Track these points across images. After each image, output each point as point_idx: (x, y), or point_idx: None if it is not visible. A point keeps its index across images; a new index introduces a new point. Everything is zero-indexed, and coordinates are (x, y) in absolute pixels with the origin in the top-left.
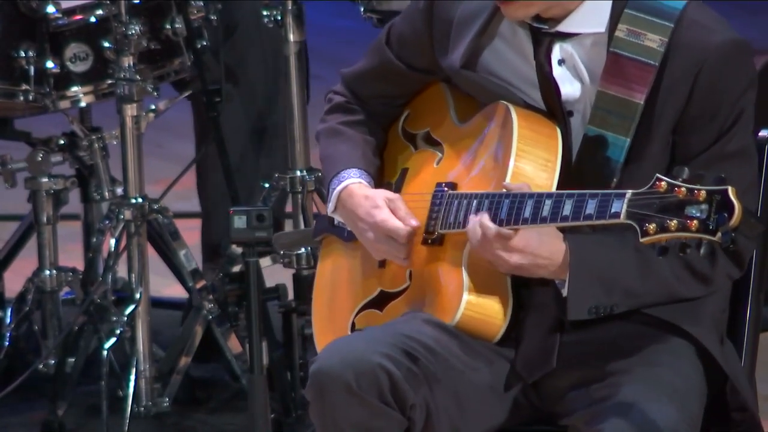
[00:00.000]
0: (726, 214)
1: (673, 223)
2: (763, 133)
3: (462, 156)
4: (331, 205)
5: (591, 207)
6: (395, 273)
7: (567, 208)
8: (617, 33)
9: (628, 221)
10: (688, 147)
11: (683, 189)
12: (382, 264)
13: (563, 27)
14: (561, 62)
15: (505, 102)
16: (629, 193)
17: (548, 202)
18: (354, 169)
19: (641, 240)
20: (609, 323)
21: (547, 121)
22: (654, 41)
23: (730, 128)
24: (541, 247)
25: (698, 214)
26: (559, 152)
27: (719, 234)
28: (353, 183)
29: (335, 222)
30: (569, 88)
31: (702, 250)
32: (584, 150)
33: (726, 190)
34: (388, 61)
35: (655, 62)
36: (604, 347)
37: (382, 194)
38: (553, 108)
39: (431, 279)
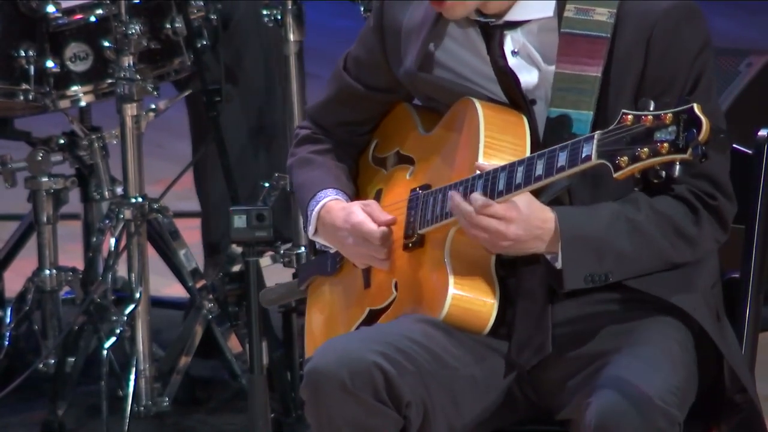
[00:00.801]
0: (694, 130)
1: (644, 150)
2: (762, 132)
3: (433, 161)
4: (311, 228)
5: (563, 158)
6: (381, 288)
7: (539, 168)
8: (566, 13)
9: (600, 160)
10: None
11: (650, 117)
12: (368, 284)
13: (511, 16)
14: (515, 53)
15: (468, 97)
16: (597, 133)
17: (520, 168)
18: (330, 189)
19: (615, 175)
20: (600, 313)
21: (511, 110)
22: (603, 14)
23: (690, 92)
24: (531, 215)
25: (667, 137)
26: (527, 136)
27: (690, 150)
28: (330, 200)
29: (317, 246)
30: (527, 76)
31: (676, 172)
32: (549, 131)
33: (692, 108)
34: (347, 85)
35: (606, 34)
36: (595, 334)
37: (358, 202)
38: (515, 99)
39: (417, 282)
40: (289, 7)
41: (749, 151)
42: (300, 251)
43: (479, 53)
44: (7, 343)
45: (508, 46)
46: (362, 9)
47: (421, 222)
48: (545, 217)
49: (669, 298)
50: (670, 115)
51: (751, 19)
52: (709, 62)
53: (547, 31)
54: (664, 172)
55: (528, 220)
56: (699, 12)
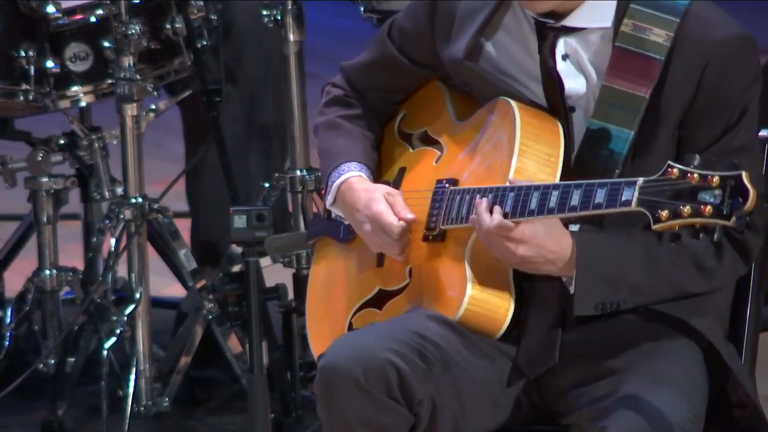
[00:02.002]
0: (740, 199)
1: (687, 208)
2: (763, 133)
3: (462, 153)
4: (330, 198)
5: (600, 196)
6: (395, 271)
7: (575, 198)
8: (623, 28)
9: (640, 208)
10: (693, 142)
11: (696, 175)
12: (381, 263)
13: (568, 21)
14: (565, 57)
15: (506, 98)
16: (641, 180)
17: (555, 193)
18: (354, 163)
19: (654, 227)
20: (611, 320)
21: (548, 117)
22: (660, 36)
23: (736, 124)
24: (547, 240)
25: (712, 200)
26: (561, 147)
27: (734, 218)
28: (353, 176)
29: (332, 215)
30: (573, 83)
31: (716, 236)
32: (586, 143)
33: (740, 175)
34: (389, 53)
35: (660, 57)
36: (606, 345)
37: (382, 188)
38: (554, 103)
39: (432, 275)
40: (289, 7)
41: (761, 163)
42: (300, 251)
43: (530, 51)
44: (7, 343)
45: (560, 50)
46: (362, 9)
47: (445, 218)
48: (562, 243)
49: (687, 320)
50: (717, 178)
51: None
52: (757, 95)
53: (602, 42)
54: (702, 233)
55: (541, 245)
56: (754, 43)
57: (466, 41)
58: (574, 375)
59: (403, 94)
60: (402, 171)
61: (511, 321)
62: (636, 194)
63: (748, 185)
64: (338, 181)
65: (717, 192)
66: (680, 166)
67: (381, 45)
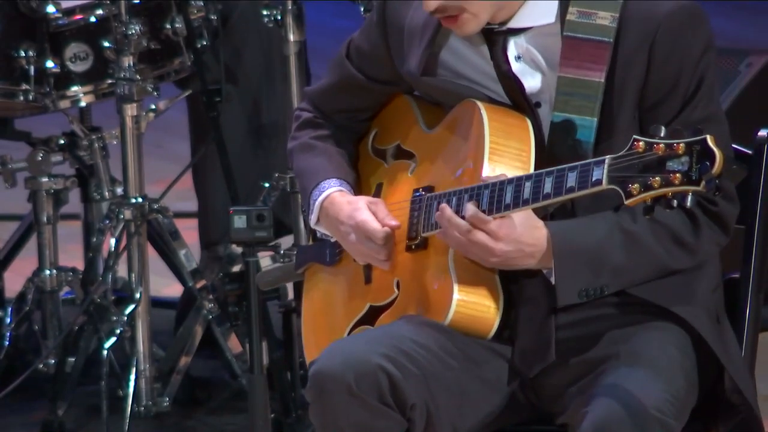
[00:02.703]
0: (708, 163)
1: (656, 179)
2: (762, 132)
3: (436, 160)
4: (313, 217)
5: (572, 179)
6: (383, 285)
7: (548, 186)
8: (569, 17)
9: (611, 186)
10: (655, 119)
11: (662, 145)
12: (369, 279)
13: (514, 23)
14: (518, 58)
15: (472, 99)
16: (608, 158)
17: (528, 184)
18: (333, 179)
19: (626, 202)
20: (603, 317)
21: (515, 113)
22: (606, 18)
23: (694, 95)
24: (523, 234)
25: (680, 167)
26: (532, 141)
27: (703, 182)
28: (334, 191)
29: (318, 234)
30: (531, 81)
31: (688, 203)
32: (554, 136)
33: (705, 139)
34: (349, 74)
35: (609, 39)
36: (597, 340)
37: (365, 198)
38: (518, 102)
39: (420, 284)
40: (289, 7)
41: (749, 152)
42: (292, 281)
43: (483, 55)
44: (7, 343)
45: (512, 52)
46: (362, 9)
47: (425, 225)
48: (537, 235)
49: (669, 307)
50: (682, 145)
51: (751, 19)
52: (712, 64)
53: (551, 35)
54: (675, 201)
55: (518, 239)
56: (702, 14)
57: (419, 57)
58: (568, 374)
59: (370, 112)
60: (379, 186)
61: (501, 321)
62: (606, 172)
63: (714, 148)
64: (320, 198)
65: (684, 159)
66: (646, 139)
67: (340, 67)
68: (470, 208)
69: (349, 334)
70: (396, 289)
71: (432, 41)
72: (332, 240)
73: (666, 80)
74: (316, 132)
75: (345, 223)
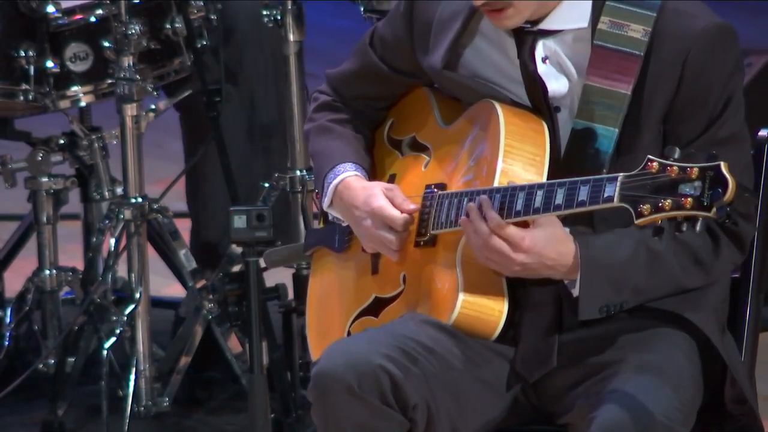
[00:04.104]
0: (720, 190)
1: (668, 202)
2: (762, 132)
3: (450, 157)
4: (326, 200)
5: (583, 193)
6: (389, 277)
7: (559, 197)
8: (600, 26)
9: (622, 204)
10: (679, 136)
11: (675, 168)
12: (375, 270)
13: (545, 25)
14: (545, 59)
15: (490, 100)
16: (621, 175)
17: (540, 193)
18: (349, 164)
19: (636, 222)
20: (607, 320)
21: (533, 116)
22: (637, 31)
23: (720, 114)
24: (546, 248)
25: (692, 192)
26: (547, 147)
27: (714, 209)
28: (350, 176)
29: (330, 218)
30: (555, 84)
31: (698, 227)
32: (572, 143)
33: (718, 166)
34: (371, 62)
35: (640, 52)
36: (602, 344)
37: (380, 184)
38: (538, 105)
39: (426, 281)
40: (289, 7)
41: (749, 152)
42: (299, 262)
43: (510, 55)
44: (7, 343)
45: (539, 53)
46: (362, 9)
47: (435, 223)
48: (563, 250)
49: (682, 313)
50: (696, 169)
51: (751, 19)
52: (740, 83)
53: (581, 42)
54: (685, 225)
55: (541, 253)
56: (734, 32)
57: (443, 51)
58: (571, 377)
59: (389, 101)
60: (392, 177)
61: (506, 322)
62: (618, 190)
63: (727, 175)
64: (335, 181)
65: (697, 184)
66: (660, 160)
67: (363, 54)
68: (493, 216)
69: (352, 323)
70: (402, 283)
71: (458, 38)
72: (343, 225)
73: (696, 98)
74: (335, 115)
75: (360, 208)
